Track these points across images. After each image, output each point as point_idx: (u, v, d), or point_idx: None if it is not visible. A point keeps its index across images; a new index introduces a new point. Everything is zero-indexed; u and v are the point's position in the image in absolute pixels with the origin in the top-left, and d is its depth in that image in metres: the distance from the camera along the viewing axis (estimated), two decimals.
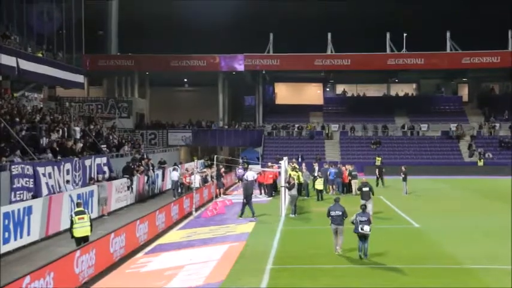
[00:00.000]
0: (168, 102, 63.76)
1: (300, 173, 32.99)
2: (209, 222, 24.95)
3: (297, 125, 59.53)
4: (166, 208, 23.39)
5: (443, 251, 18.50)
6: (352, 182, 34.46)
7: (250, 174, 34.43)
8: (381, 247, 18.24)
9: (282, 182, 27.60)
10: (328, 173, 34.66)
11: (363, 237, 17.14)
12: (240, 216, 25.73)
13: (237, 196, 33.29)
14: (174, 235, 21.97)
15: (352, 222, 17.29)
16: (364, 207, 17.91)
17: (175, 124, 58.77)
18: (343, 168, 36.03)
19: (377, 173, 39.44)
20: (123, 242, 17.42)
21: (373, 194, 25.54)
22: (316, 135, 58.19)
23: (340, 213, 17.85)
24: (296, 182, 28.78)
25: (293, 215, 25.94)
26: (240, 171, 38.02)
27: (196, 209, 27.74)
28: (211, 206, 28.67)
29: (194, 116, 59.74)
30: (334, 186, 34.86)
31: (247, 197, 25.84)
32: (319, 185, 32.23)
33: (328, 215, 18.17)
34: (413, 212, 26.88)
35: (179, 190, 33.29)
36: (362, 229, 16.94)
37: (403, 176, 35.17)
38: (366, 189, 25.13)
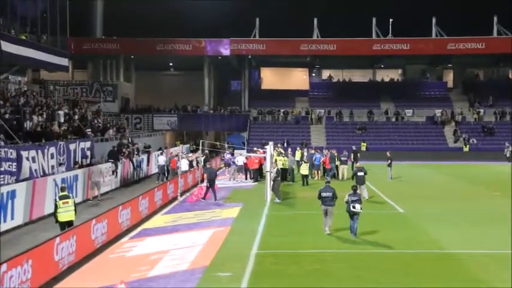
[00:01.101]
0: (154, 87, 63.38)
1: (285, 158, 33.10)
2: (194, 207, 24.95)
3: (282, 110, 59.47)
4: (150, 193, 23.22)
5: (427, 236, 18.62)
6: (340, 167, 34.58)
7: (241, 159, 35.17)
8: (365, 232, 18.38)
9: (267, 167, 27.61)
10: (314, 158, 34.69)
11: (354, 216, 17.88)
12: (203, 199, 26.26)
13: (222, 181, 33.42)
14: (159, 220, 21.94)
15: (346, 202, 17.97)
16: (355, 188, 18.46)
17: (161, 108, 58.46)
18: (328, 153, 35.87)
19: (352, 158, 39.35)
20: (104, 228, 17.17)
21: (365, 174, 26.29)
22: (302, 120, 58.20)
23: (331, 194, 18.48)
24: (281, 167, 28.98)
25: (278, 200, 25.98)
26: (227, 156, 38.07)
27: (181, 194, 27.71)
28: (197, 191, 28.64)
29: (180, 100, 59.46)
30: (319, 172, 34.93)
31: (210, 181, 26.49)
32: (305, 170, 32.29)
33: (319, 196, 18.68)
34: (398, 197, 27.00)
35: (166, 174, 33.24)
36: (354, 207, 17.74)
37: (388, 161, 35.28)
38: (361, 173, 25.77)
